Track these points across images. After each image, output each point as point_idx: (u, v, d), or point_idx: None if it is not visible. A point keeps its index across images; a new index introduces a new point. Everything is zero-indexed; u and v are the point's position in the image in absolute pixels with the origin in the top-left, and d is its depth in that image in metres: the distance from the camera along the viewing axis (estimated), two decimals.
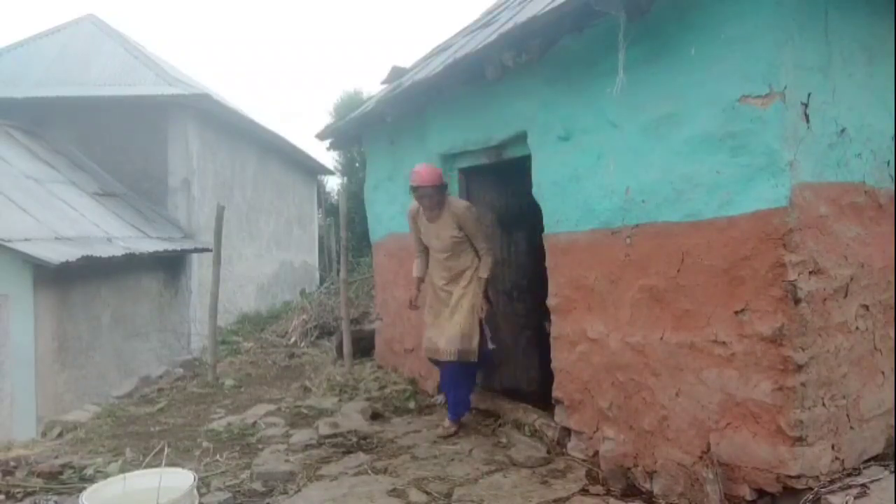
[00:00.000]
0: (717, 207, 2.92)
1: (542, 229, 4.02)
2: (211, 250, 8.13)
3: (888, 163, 3.08)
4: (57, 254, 6.88)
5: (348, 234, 9.87)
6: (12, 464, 4.16)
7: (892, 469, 2.83)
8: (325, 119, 17.57)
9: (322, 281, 14.83)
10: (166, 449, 3.82)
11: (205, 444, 4.55)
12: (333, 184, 19.70)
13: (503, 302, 5.19)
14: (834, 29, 2.83)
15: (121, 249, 8.11)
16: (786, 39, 2.69)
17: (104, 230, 8.61)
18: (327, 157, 21.14)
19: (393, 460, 4.03)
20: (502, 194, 5.32)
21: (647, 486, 3.31)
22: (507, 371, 5.26)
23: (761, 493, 2.83)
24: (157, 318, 9.61)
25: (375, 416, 4.99)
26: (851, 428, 2.89)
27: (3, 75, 11.09)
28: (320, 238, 17.26)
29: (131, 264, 8.51)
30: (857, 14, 2.92)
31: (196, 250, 10.10)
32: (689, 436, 3.09)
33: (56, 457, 4.41)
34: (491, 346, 4.59)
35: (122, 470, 3.78)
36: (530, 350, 5.29)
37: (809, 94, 2.74)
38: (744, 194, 2.82)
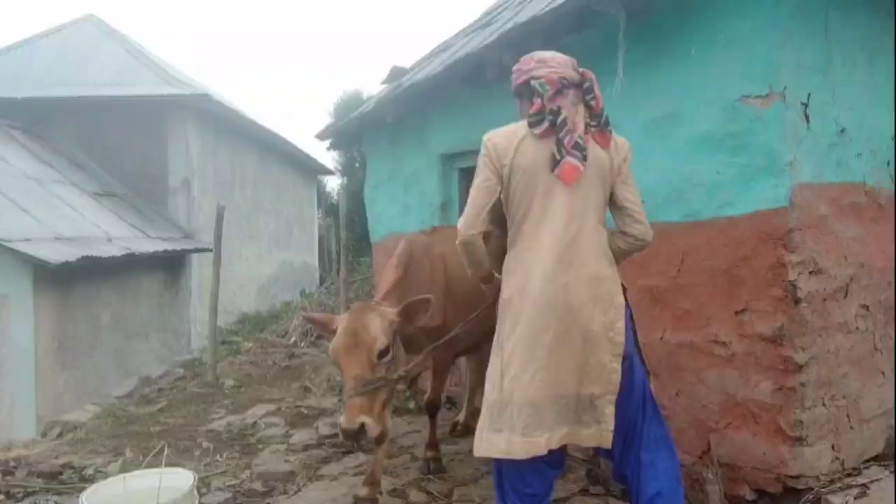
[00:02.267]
0: (717, 207, 2.92)
1: None
2: (211, 250, 8.13)
3: (888, 163, 3.08)
4: (57, 254, 6.87)
5: (348, 234, 9.87)
6: (12, 464, 4.17)
7: (892, 469, 2.84)
8: (325, 119, 17.54)
9: (322, 281, 14.83)
10: (166, 449, 3.82)
11: (205, 444, 4.55)
12: (333, 184, 19.69)
13: None
14: (834, 29, 2.83)
15: (121, 249, 8.10)
16: (786, 39, 2.69)
17: (104, 230, 8.61)
18: (327, 157, 21.11)
19: (393, 460, 4.03)
20: None
21: None
22: None
23: (761, 493, 2.84)
24: (157, 318, 9.60)
25: None
26: (851, 428, 2.90)
27: (3, 75, 11.08)
28: (320, 238, 17.25)
29: (131, 264, 8.50)
30: (857, 14, 2.92)
31: (196, 250, 10.09)
32: (689, 436, 3.09)
33: (56, 457, 4.41)
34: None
35: (122, 470, 3.78)
36: None
37: (809, 94, 2.75)
38: (744, 194, 2.82)
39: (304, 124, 36.72)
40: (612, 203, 2.50)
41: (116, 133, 10.63)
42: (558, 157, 2.34)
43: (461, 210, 5.15)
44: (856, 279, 2.92)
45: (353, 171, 16.10)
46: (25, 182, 8.62)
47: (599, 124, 2.41)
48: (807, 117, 2.74)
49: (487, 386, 2.42)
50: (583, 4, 3.03)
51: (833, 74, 2.84)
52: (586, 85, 2.42)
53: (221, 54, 60.11)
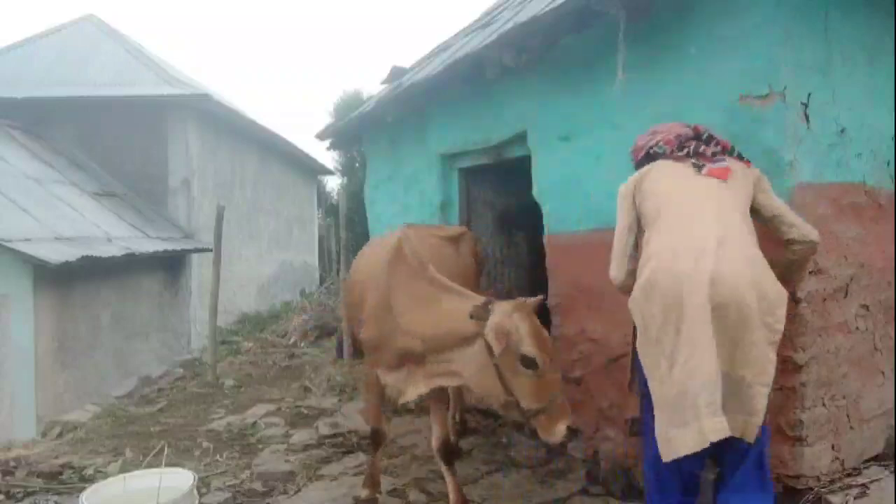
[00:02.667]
0: None
1: (542, 229, 4.02)
2: (211, 250, 8.13)
3: (888, 163, 3.08)
4: (57, 254, 6.87)
5: (348, 234, 9.87)
6: (12, 464, 4.17)
7: (893, 469, 2.84)
8: (325, 119, 17.53)
9: (322, 281, 14.83)
10: (166, 449, 3.82)
11: (205, 444, 4.56)
12: (333, 184, 19.68)
13: None
14: (834, 29, 2.83)
15: (121, 249, 8.10)
16: (785, 39, 2.69)
17: (104, 230, 8.61)
18: (327, 157, 21.09)
19: (393, 460, 4.03)
20: (502, 194, 5.32)
21: None
22: None
23: None
24: (157, 318, 9.60)
25: None
26: (851, 428, 2.89)
27: (3, 75, 11.08)
28: (320, 238, 17.25)
29: (131, 264, 8.50)
30: (857, 14, 2.92)
31: (196, 250, 10.09)
32: None
33: (56, 457, 4.42)
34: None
35: (122, 470, 3.79)
36: None
37: (809, 94, 2.75)
38: None
39: (304, 124, 36.66)
40: (763, 217, 2.46)
41: (116, 133, 10.63)
42: (699, 165, 2.47)
43: (461, 210, 5.21)
44: (856, 279, 2.92)
45: (353, 171, 16.09)
46: (25, 182, 8.62)
47: (734, 154, 2.57)
48: (807, 117, 2.74)
49: (652, 385, 2.23)
50: (583, 4, 3.03)
51: (833, 74, 2.84)
52: (705, 136, 2.60)
53: (221, 54, 60.11)
